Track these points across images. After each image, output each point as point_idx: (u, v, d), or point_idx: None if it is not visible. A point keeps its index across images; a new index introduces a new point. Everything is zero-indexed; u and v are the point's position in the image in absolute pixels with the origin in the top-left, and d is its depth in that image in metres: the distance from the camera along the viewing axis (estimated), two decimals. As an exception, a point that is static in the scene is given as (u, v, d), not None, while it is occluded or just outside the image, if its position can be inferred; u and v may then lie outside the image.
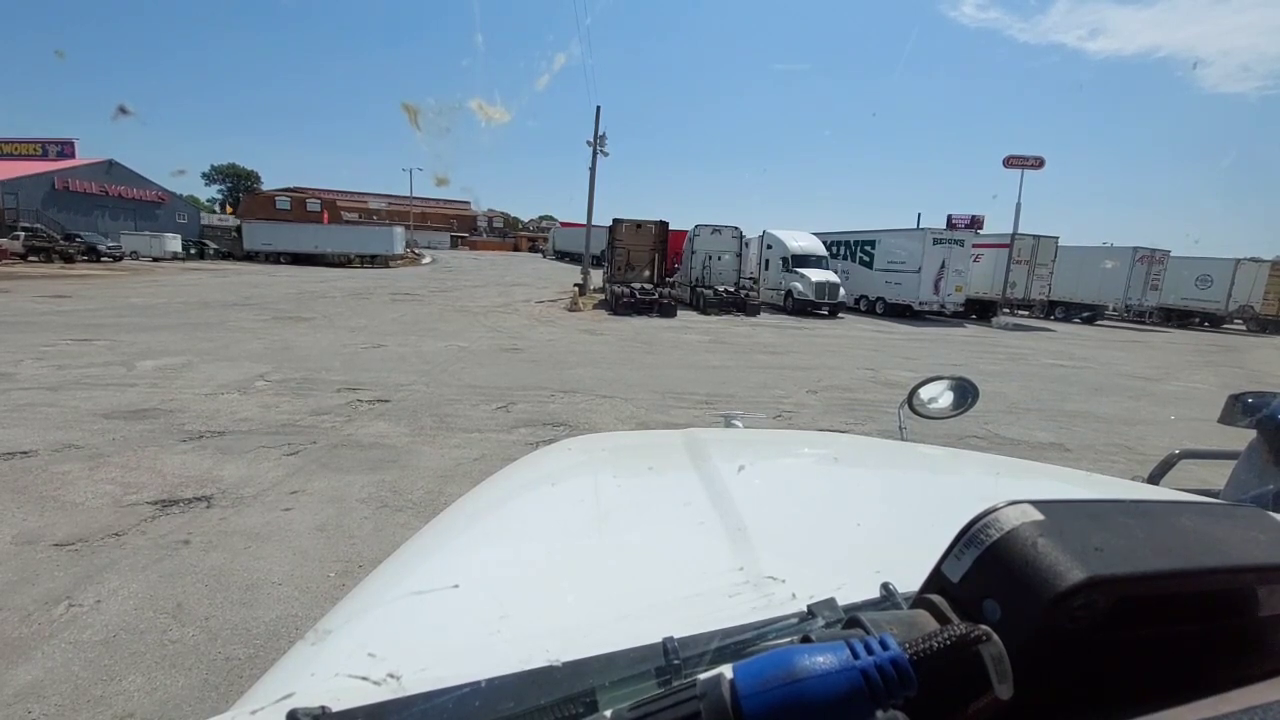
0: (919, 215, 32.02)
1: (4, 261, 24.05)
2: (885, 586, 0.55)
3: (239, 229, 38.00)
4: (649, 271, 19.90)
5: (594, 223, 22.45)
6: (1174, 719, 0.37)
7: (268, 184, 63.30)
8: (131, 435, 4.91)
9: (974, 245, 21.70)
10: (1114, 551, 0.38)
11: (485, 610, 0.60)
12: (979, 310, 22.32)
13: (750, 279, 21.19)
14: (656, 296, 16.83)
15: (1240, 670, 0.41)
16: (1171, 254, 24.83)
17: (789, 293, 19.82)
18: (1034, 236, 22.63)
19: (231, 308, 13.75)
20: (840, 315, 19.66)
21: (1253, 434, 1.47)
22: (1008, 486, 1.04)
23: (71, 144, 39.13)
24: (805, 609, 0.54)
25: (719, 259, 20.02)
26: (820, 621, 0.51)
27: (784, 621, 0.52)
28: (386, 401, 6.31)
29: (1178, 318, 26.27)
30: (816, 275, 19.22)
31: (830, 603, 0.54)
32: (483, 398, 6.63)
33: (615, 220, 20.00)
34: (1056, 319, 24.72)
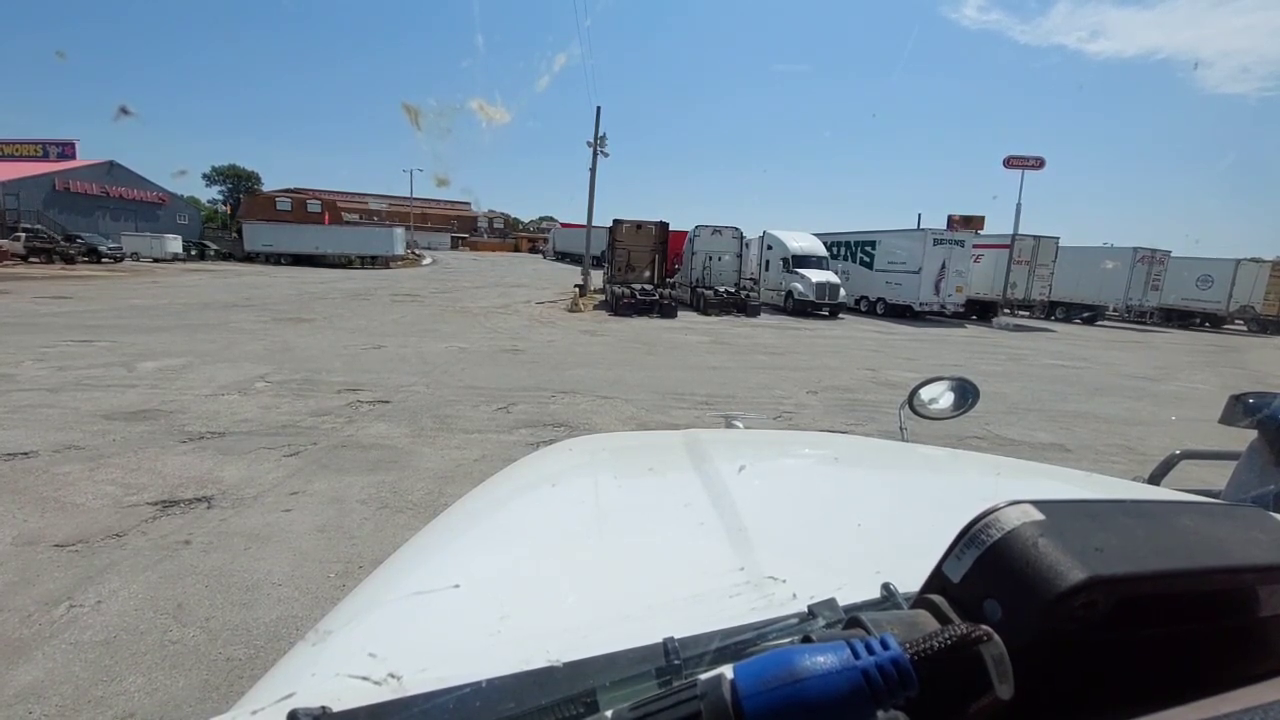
0: (919, 215, 32.03)
1: (5, 263, 24.08)
2: (886, 587, 0.55)
3: (239, 230, 38.04)
4: (649, 272, 19.88)
5: (594, 223, 22.46)
6: (1175, 719, 0.37)
7: (268, 184, 63.18)
8: (132, 436, 4.91)
9: (974, 246, 21.70)
10: (1114, 552, 0.38)
11: (486, 611, 0.60)
12: (979, 311, 22.31)
13: (750, 280, 21.19)
14: (657, 297, 16.83)
15: (1241, 670, 0.41)
16: (1172, 254, 24.84)
17: (789, 293, 19.82)
18: (1034, 237, 22.63)
19: (232, 309, 13.76)
20: (840, 316, 19.65)
21: (1253, 434, 1.47)
22: (1008, 487, 1.04)
23: (72, 145, 39.24)
24: (806, 609, 0.54)
25: (719, 260, 20.01)
26: (821, 622, 0.51)
27: (784, 622, 0.52)
28: (387, 402, 6.31)
29: (1178, 318, 26.24)
30: (817, 276, 19.23)
31: (831, 603, 0.54)
32: (483, 399, 6.63)
33: (615, 221, 19.99)
34: (1057, 319, 24.71)
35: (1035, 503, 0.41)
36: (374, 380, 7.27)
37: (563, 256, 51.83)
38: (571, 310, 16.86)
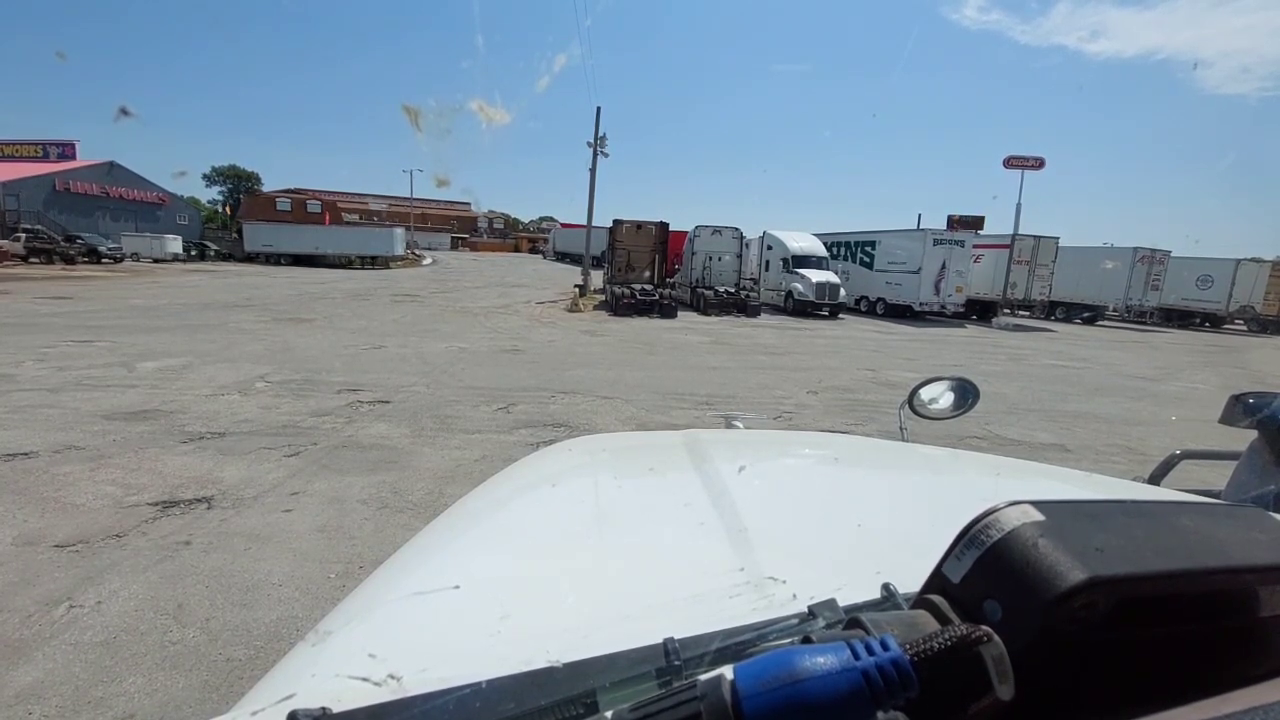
0: (919, 216, 32.06)
1: (5, 263, 24.09)
2: (886, 587, 0.55)
3: (239, 230, 38.07)
4: (649, 272, 19.89)
5: (594, 224, 22.47)
6: (1175, 719, 0.37)
7: (268, 185, 63.17)
8: (132, 436, 4.91)
9: (974, 246, 21.71)
10: (1115, 552, 0.38)
11: (486, 611, 0.60)
12: (979, 311, 22.31)
13: (751, 280, 21.21)
14: (657, 297, 16.84)
15: (1241, 670, 0.41)
16: (1172, 254, 24.85)
17: (789, 293, 19.83)
18: (1034, 237, 22.64)
19: (232, 309, 13.76)
20: (840, 316, 19.66)
21: (1254, 434, 1.47)
22: (1008, 487, 1.04)
23: (72, 145, 39.26)
24: (806, 609, 0.54)
25: (719, 260, 20.02)
26: (821, 622, 0.51)
27: (785, 622, 0.52)
28: (387, 403, 6.31)
29: (1178, 318, 26.25)
30: (817, 276, 19.23)
31: (831, 603, 0.54)
32: (483, 399, 6.63)
33: (615, 221, 20.00)
34: (1057, 319, 24.71)
35: (1035, 503, 0.41)
36: (374, 380, 7.27)
37: (563, 257, 51.81)
38: (571, 310, 16.87)
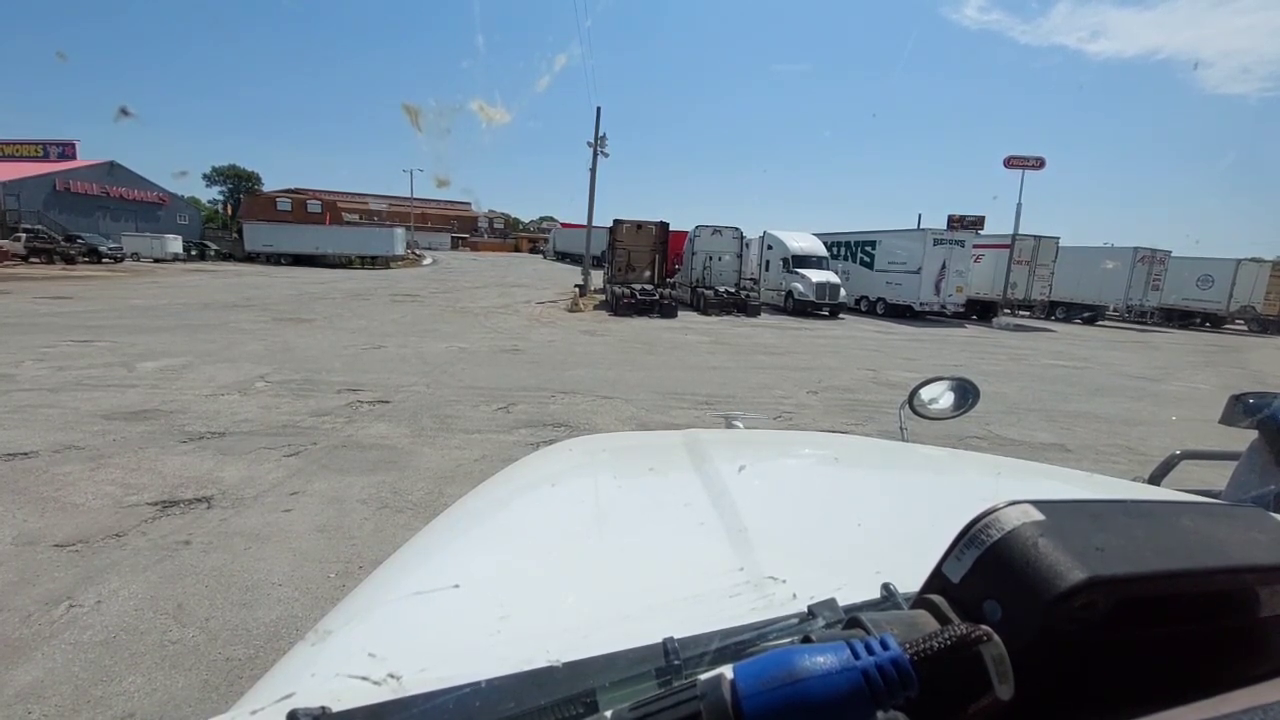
0: (919, 216, 32.04)
1: (6, 263, 24.09)
2: (886, 587, 0.55)
3: (240, 230, 38.09)
4: (649, 272, 19.88)
5: (594, 224, 22.46)
6: (1175, 719, 0.36)
7: (268, 185, 63.24)
8: (132, 436, 4.91)
9: (974, 246, 21.71)
10: (1115, 552, 0.38)
11: (486, 611, 0.60)
12: (980, 311, 22.32)
13: (751, 280, 21.21)
14: (657, 297, 16.84)
15: (1241, 670, 0.41)
16: (1172, 254, 24.85)
17: (789, 293, 19.83)
18: (1035, 237, 22.65)
19: (232, 309, 13.76)
20: (841, 316, 19.66)
21: (1254, 435, 1.46)
22: (1008, 487, 1.04)
23: (73, 145, 39.27)
24: (806, 609, 0.54)
25: (719, 260, 20.03)
26: (821, 622, 0.51)
27: (784, 622, 0.52)
28: (387, 402, 6.31)
29: (1179, 318, 26.24)
30: (817, 276, 19.23)
31: (831, 603, 0.54)
32: (483, 399, 6.63)
33: (616, 221, 19.99)
34: (1057, 319, 24.71)
35: (1035, 503, 0.41)
36: (374, 380, 7.27)
37: (563, 256, 51.81)
38: (571, 310, 16.87)
